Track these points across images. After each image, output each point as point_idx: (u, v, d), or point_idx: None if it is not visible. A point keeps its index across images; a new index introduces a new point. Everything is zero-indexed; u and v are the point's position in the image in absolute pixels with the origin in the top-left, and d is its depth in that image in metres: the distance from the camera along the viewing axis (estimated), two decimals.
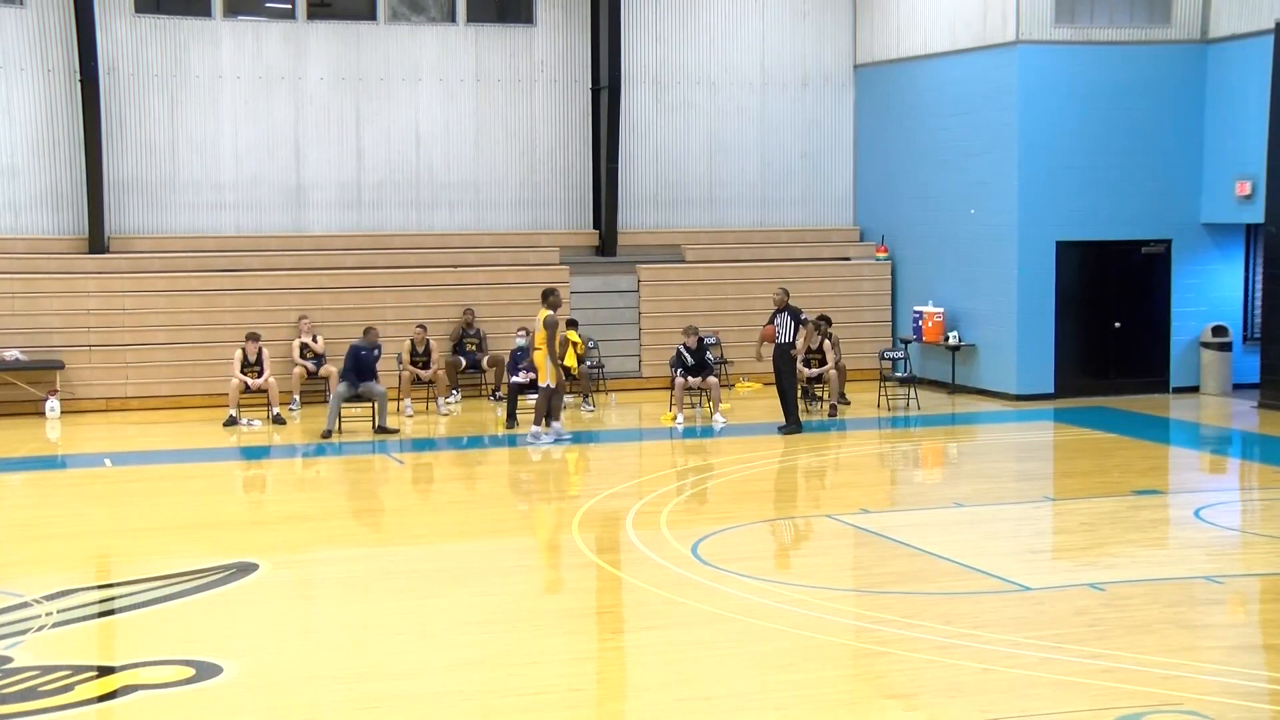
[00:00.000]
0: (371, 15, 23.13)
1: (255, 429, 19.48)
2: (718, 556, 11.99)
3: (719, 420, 19.32)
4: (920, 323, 22.63)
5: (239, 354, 20.05)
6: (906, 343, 22.66)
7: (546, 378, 18.04)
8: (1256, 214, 20.62)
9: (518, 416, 19.20)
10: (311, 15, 22.96)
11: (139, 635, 10.23)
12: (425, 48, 23.31)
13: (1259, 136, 20.32)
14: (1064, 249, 21.32)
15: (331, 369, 20.32)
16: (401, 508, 15.03)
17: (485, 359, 21.80)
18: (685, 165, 24.36)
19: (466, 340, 21.88)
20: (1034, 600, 10.65)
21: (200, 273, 21.75)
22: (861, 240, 24.70)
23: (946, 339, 22.21)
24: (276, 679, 9.11)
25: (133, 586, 11.38)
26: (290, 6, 22.94)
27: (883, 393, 21.26)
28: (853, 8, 24.66)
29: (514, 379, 19.51)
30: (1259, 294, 21.41)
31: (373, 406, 18.81)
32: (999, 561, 11.75)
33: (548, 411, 18.13)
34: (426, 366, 20.76)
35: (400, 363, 20.78)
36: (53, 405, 20.33)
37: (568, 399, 20.91)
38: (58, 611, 10.46)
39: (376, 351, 19.19)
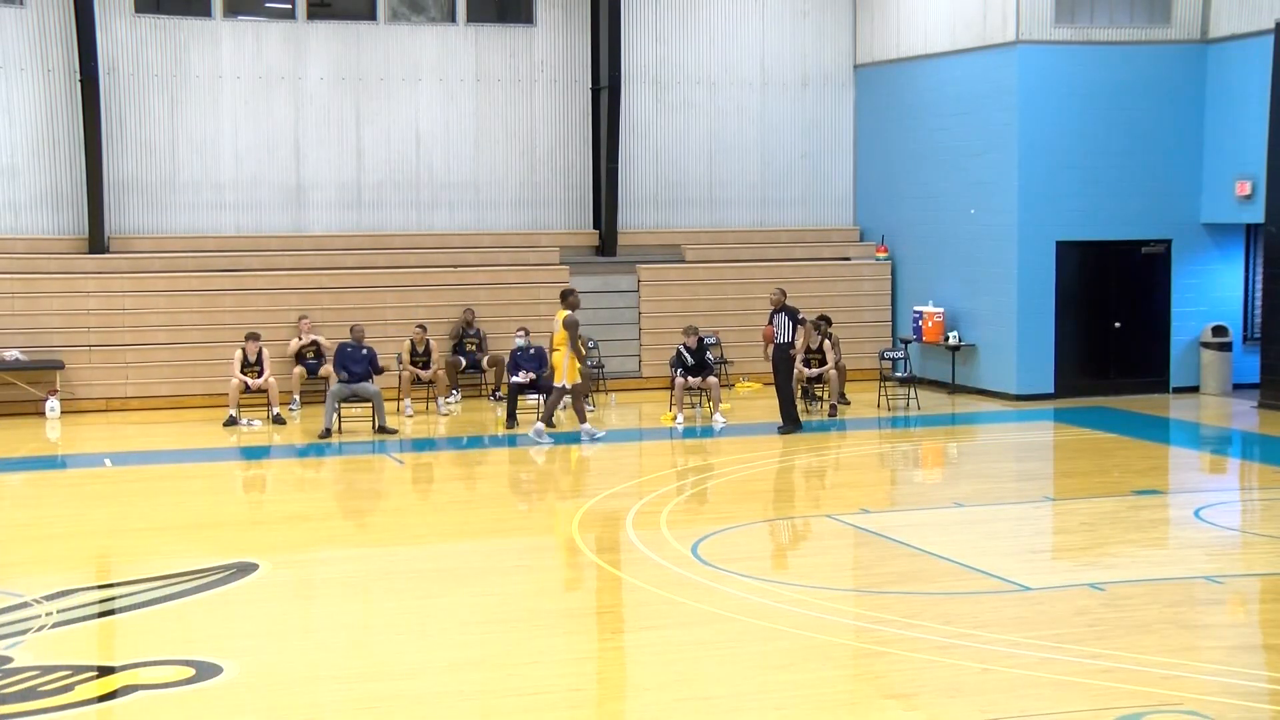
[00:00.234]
0: (371, 15, 23.13)
1: (255, 429, 19.48)
2: (718, 556, 11.99)
3: (719, 420, 19.32)
4: (920, 323, 22.64)
5: (239, 354, 20.05)
6: (906, 343, 22.66)
7: (563, 378, 18.07)
8: (1256, 214, 20.62)
9: (517, 416, 19.21)
10: (311, 15, 22.96)
11: (139, 635, 10.23)
12: (425, 48, 23.31)
13: (1259, 136, 20.32)
14: (1064, 249, 21.32)
15: (330, 369, 20.32)
16: (401, 508, 15.03)
17: (485, 359, 21.80)
18: (685, 165, 24.36)
19: (466, 340, 21.88)
20: (1034, 600, 10.65)
21: (200, 273, 21.76)
22: (861, 240, 24.71)
23: (946, 339, 22.21)
24: (276, 679, 9.11)
25: (133, 586, 11.38)
26: (290, 6, 22.94)
27: (883, 393, 21.26)
28: (853, 8, 24.67)
29: (514, 379, 19.51)
30: (1259, 294, 21.41)
31: (371, 406, 18.83)
32: (999, 561, 11.75)
33: (579, 413, 18.23)
34: (426, 366, 20.76)
35: (400, 363, 20.78)
36: (53, 405, 20.33)
37: (567, 399, 20.92)
38: (58, 611, 10.46)
39: (365, 350, 19.20)
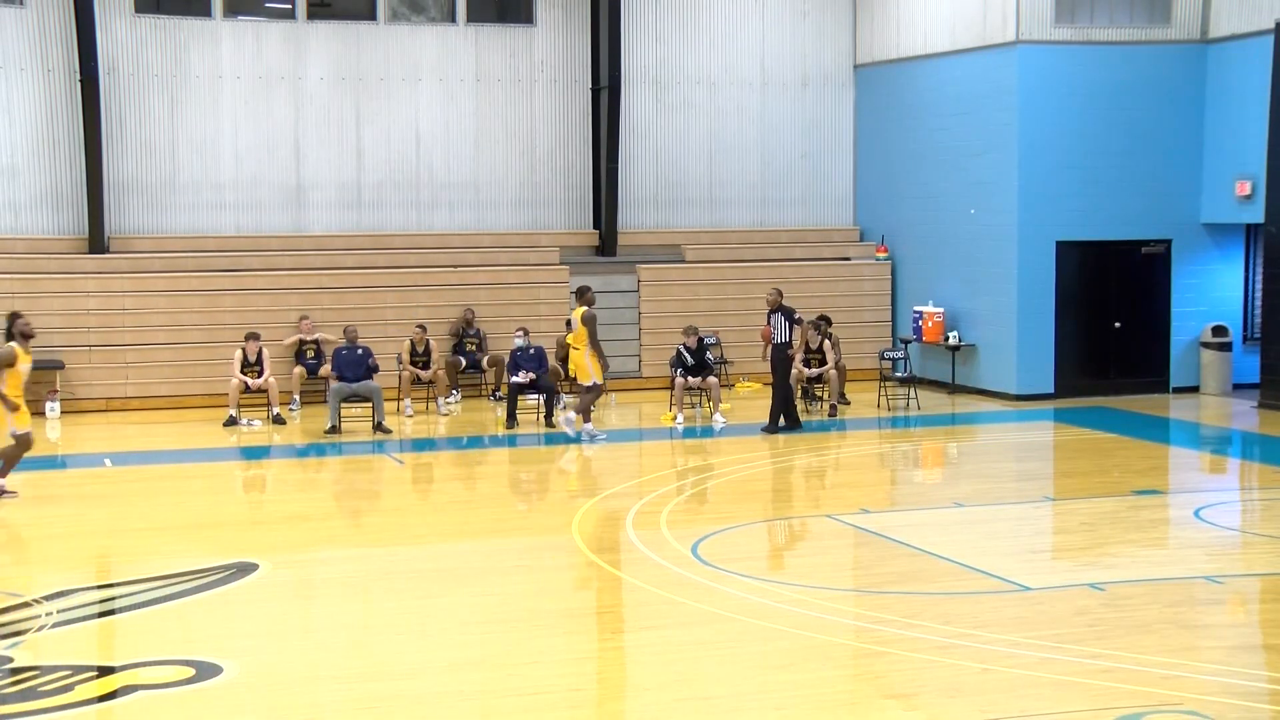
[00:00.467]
0: (371, 15, 23.13)
1: (255, 429, 19.48)
2: (718, 556, 11.99)
3: (719, 420, 19.32)
4: (920, 323, 22.64)
5: (239, 354, 20.05)
6: (906, 343, 22.66)
7: (591, 375, 18.09)
8: (1256, 214, 20.62)
9: (517, 416, 19.21)
10: (311, 15, 22.96)
11: (139, 635, 10.23)
12: (425, 48, 23.31)
13: (1259, 136, 20.32)
14: (1064, 249, 21.32)
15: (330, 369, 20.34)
16: (401, 508, 15.03)
17: (485, 359, 21.81)
18: (685, 165, 24.36)
19: (466, 340, 21.88)
20: (1034, 600, 10.65)
21: (200, 273, 21.76)
22: (861, 240, 24.71)
23: (946, 339, 22.21)
24: (276, 679, 9.11)
25: (133, 586, 11.38)
26: (290, 6, 22.94)
27: (883, 393, 21.26)
28: (853, 8, 24.66)
29: (514, 379, 19.51)
30: (1259, 294, 21.41)
31: (371, 405, 18.88)
32: (999, 561, 11.75)
33: (584, 412, 18.28)
34: (426, 366, 20.76)
35: (400, 363, 20.78)
36: (53, 405, 20.33)
37: (567, 399, 20.94)
38: (58, 611, 10.46)
39: (361, 350, 19.22)
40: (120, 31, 21.98)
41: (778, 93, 24.64)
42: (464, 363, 21.71)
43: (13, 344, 14.51)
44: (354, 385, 18.96)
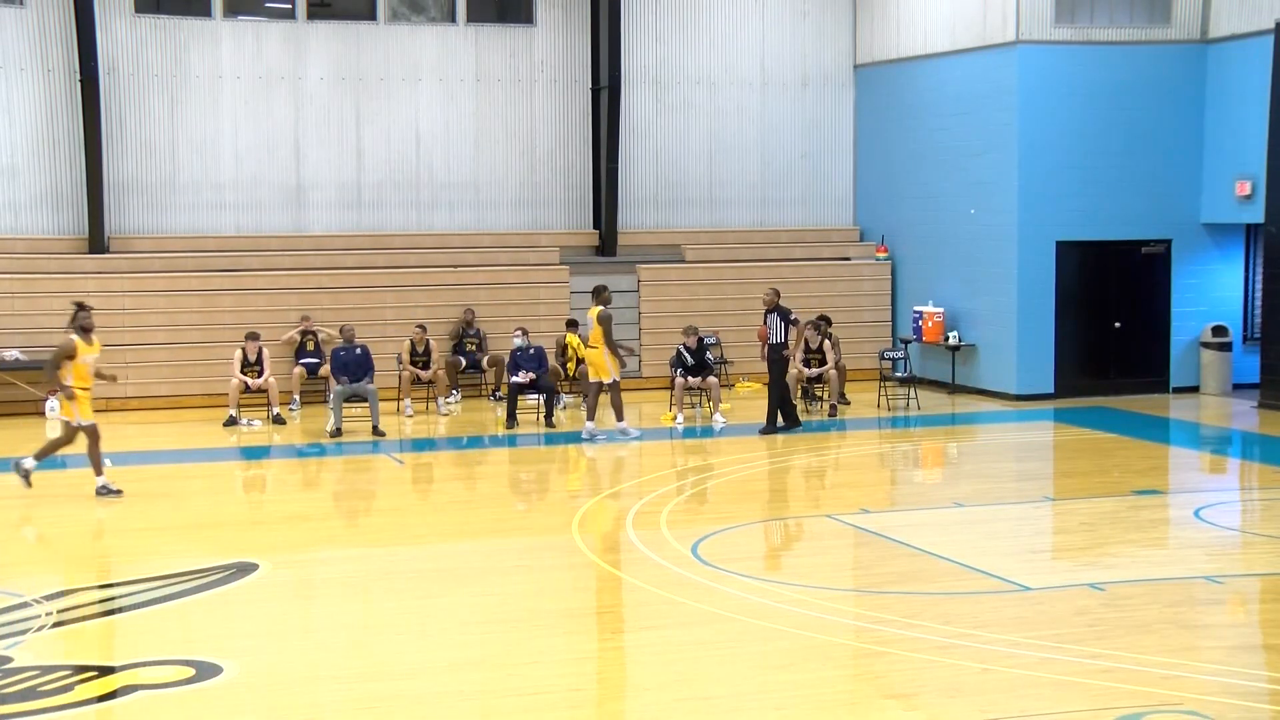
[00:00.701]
0: (371, 15, 23.13)
1: (255, 429, 19.48)
2: (718, 556, 11.99)
3: (719, 420, 19.32)
4: (920, 323, 22.64)
5: (239, 354, 20.06)
6: (906, 343, 22.66)
7: (611, 373, 18.11)
8: (1256, 214, 20.62)
9: (517, 416, 19.21)
10: (311, 15, 22.96)
11: (139, 635, 10.23)
12: (425, 48, 23.31)
13: (1259, 136, 20.32)
14: (1064, 249, 21.32)
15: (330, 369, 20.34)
16: (401, 508, 15.03)
17: (485, 359, 21.81)
18: (685, 165, 24.36)
19: (466, 340, 21.88)
20: (1034, 600, 10.65)
21: (200, 273, 21.76)
22: (861, 240, 24.71)
23: (946, 339, 22.21)
24: (276, 679, 9.11)
25: (133, 586, 11.39)
26: (290, 6, 22.94)
27: (883, 393, 21.27)
28: (853, 8, 24.66)
29: (514, 379, 19.51)
30: (1259, 294, 21.41)
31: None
32: (999, 561, 11.75)
33: (590, 410, 18.35)
34: (426, 366, 20.76)
35: (400, 363, 20.79)
36: (53, 405, 20.30)
37: (567, 399, 20.96)
38: (58, 611, 10.46)
39: (360, 350, 19.22)
40: (120, 31, 21.98)
41: (778, 93, 24.64)
42: (464, 363, 21.72)
43: (73, 336, 14.53)
44: (353, 386, 18.96)
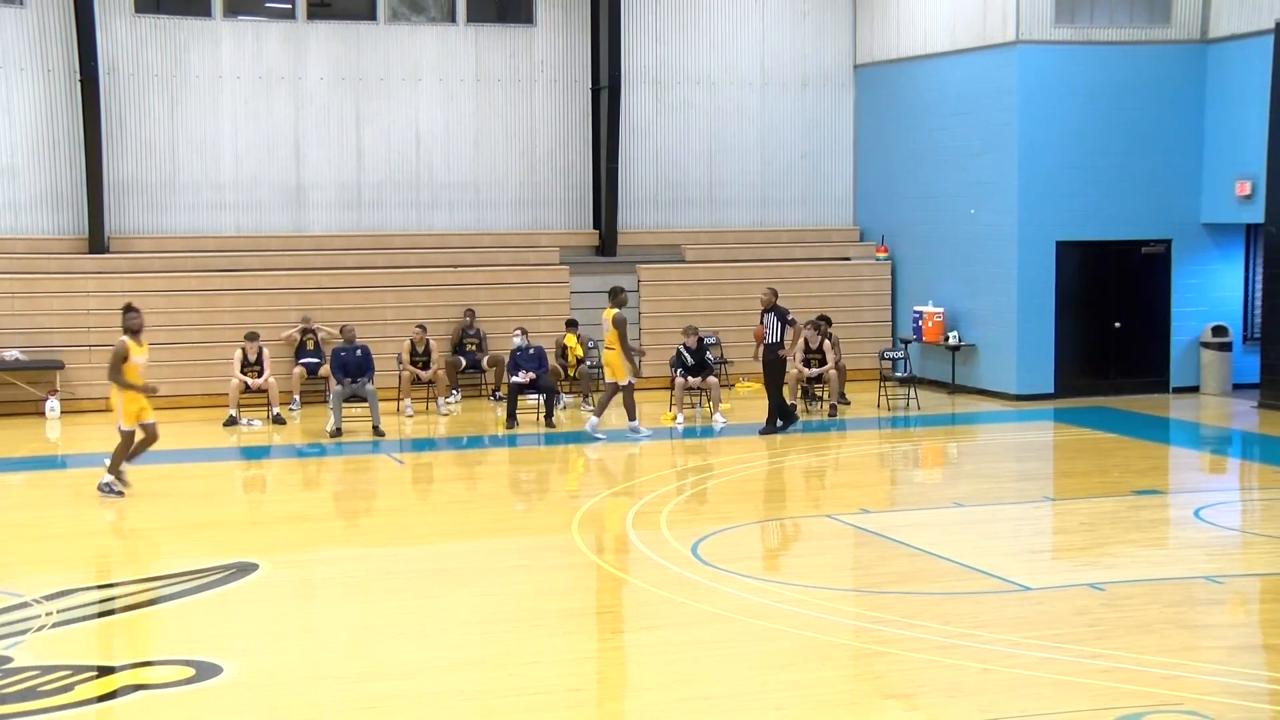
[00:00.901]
0: (371, 15, 23.13)
1: (255, 429, 19.48)
2: (718, 556, 11.99)
3: (719, 420, 19.32)
4: (920, 323, 22.64)
5: (239, 354, 20.06)
6: (906, 343, 22.66)
7: (627, 374, 18.14)
8: (1256, 214, 20.62)
9: (517, 416, 19.22)
10: (311, 15, 22.96)
11: (139, 635, 10.23)
12: (425, 48, 23.31)
13: (1259, 136, 20.32)
14: (1064, 249, 21.32)
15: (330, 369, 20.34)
16: (401, 508, 15.02)
17: (485, 359, 21.81)
18: (685, 165, 24.36)
19: (466, 340, 21.88)
20: (1034, 600, 10.65)
21: (200, 273, 21.76)
22: (861, 240, 24.71)
23: (946, 339, 22.21)
24: (276, 679, 9.11)
25: (133, 586, 11.39)
26: (290, 6, 22.94)
27: (883, 393, 21.26)
28: (853, 8, 24.66)
29: (514, 379, 19.51)
30: (1259, 294, 21.41)
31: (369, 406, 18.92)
32: (999, 561, 11.75)
33: (600, 407, 18.40)
34: (426, 367, 20.76)
35: (400, 363, 20.79)
36: (53, 405, 20.33)
37: (567, 399, 20.96)
38: (58, 611, 10.46)
39: (359, 350, 19.22)
40: (120, 31, 21.98)
41: (778, 93, 24.64)
42: (464, 363, 21.71)
43: (124, 338, 14.54)
44: (353, 386, 18.97)
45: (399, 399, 20.48)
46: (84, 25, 21.13)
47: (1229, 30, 20.97)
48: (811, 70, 24.75)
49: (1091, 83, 21.06)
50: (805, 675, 9.02)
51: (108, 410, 15.58)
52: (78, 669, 9.28)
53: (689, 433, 19.05)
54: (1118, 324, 21.75)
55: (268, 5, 23.14)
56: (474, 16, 23.52)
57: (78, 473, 17.16)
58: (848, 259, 24.31)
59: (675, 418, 19.57)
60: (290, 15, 22.92)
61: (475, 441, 19.06)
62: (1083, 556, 12.22)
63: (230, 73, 22.54)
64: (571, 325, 21.59)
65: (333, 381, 19.39)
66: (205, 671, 9.08)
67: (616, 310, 18.27)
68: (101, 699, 8.74)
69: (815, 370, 20.39)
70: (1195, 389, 21.81)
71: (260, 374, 20.03)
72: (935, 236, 22.95)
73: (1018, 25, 20.85)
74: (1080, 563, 11.98)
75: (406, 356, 20.77)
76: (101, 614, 10.66)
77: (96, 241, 21.63)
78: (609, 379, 18.51)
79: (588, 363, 21.37)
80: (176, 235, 22.42)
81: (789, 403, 19.71)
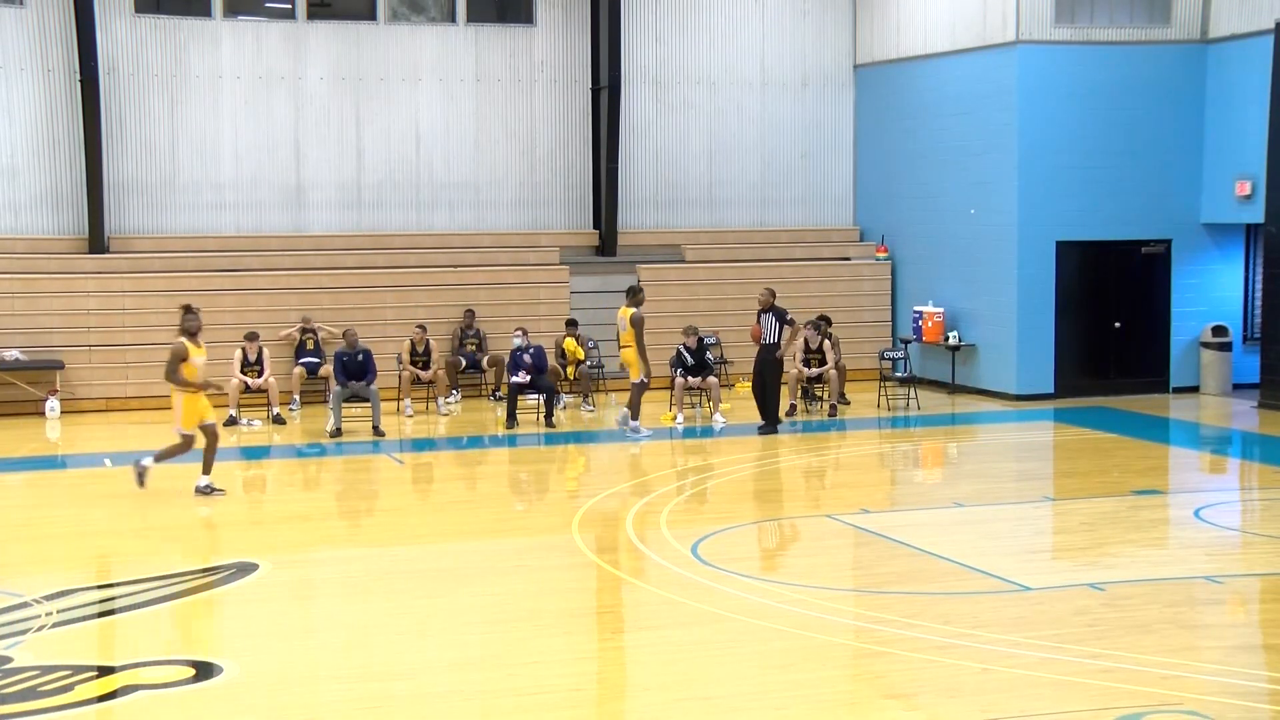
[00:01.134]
0: (371, 15, 23.14)
1: (255, 429, 19.48)
2: (718, 556, 11.99)
3: (719, 420, 19.32)
4: (920, 323, 22.64)
5: (239, 354, 20.06)
6: (906, 343, 22.66)
7: (641, 374, 18.17)
8: (1256, 214, 20.62)
9: (517, 416, 19.22)
10: (311, 15, 22.97)
11: (139, 635, 10.23)
12: (425, 48, 23.32)
13: (1259, 136, 20.33)
14: (1064, 249, 21.32)
15: (330, 369, 20.33)
16: (401, 508, 15.02)
17: (485, 359, 21.80)
18: (685, 165, 24.36)
19: (466, 340, 21.88)
20: (1034, 600, 10.65)
21: (200, 273, 21.76)
22: (861, 240, 24.71)
23: (946, 339, 22.22)
24: (276, 679, 9.11)
25: (133, 586, 11.38)
26: (290, 6, 22.94)
27: (883, 393, 21.26)
28: (853, 8, 24.67)
29: (514, 379, 19.51)
30: (1259, 294, 21.41)
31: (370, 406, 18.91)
32: (999, 561, 11.75)
33: (630, 410, 18.40)
34: (426, 367, 20.76)
35: (400, 363, 20.79)
36: (53, 405, 20.33)
37: (567, 399, 20.96)
38: (58, 611, 10.46)
39: (361, 355, 19.21)
40: (120, 31, 21.99)
41: (778, 93, 24.65)
42: (464, 363, 21.71)
43: (182, 339, 14.52)
44: (353, 386, 18.97)
45: (399, 399, 20.48)
46: (84, 25, 21.13)
47: (1229, 30, 20.98)
48: (811, 70, 24.75)
49: (1091, 83, 21.06)
50: (805, 675, 9.02)
51: (167, 409, 15.49)
52: (78, 669, 9.28)
53: (689, 433, 19.05)
54: (1118, 324, 21.75)
55: (268, 5, 23.14)
56: (474, 16, 23.52)
57: (77, 473, 17.17)
58: (848, 259, 24.31)
59: (675, 418, 19.57)
60: (290, 15, 22.92)
61: (475, 441, 19.06)
62: (1083, 556, 12.22)
63: (230, 73, 22.55)
64: (571, 326, 21.59)
65: (333, 381, 19.39)
66: (205, 671, 9.09)
67: (635, 310, 18.29)
68: (101, 699, 8.74)
69: (815, 370, 20.39)
70: (1195, 389, 21.80)
71: (260, 374, 20.03)
72: (935, 236, 22.96)
73: (1018, 25, 20.85)
74: (1080, 563, 11.98)
75: (406, 356, 20.77)
76: (101, 614, 10.66)
77: (96, 241, 21.63)
78: (634, 378, 18.50)
79: (588, 363, 21.37)
80: (176, 235, 22.43)
81: (789, 403, 19.76)
